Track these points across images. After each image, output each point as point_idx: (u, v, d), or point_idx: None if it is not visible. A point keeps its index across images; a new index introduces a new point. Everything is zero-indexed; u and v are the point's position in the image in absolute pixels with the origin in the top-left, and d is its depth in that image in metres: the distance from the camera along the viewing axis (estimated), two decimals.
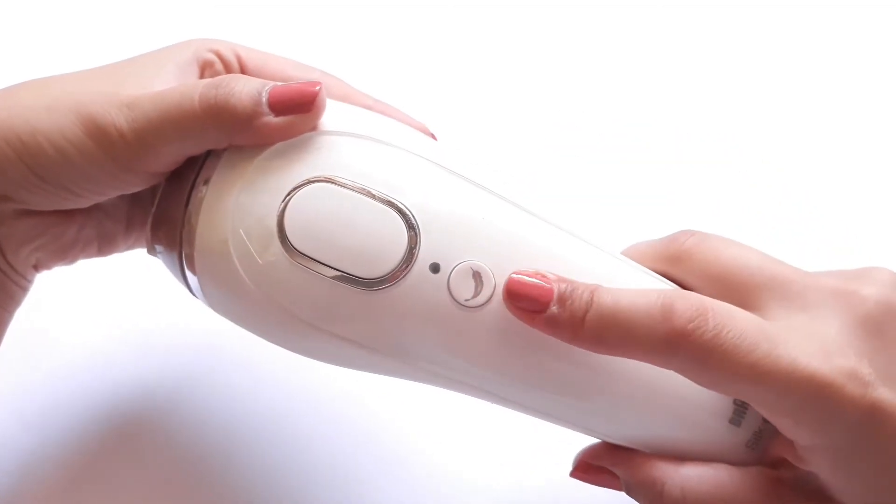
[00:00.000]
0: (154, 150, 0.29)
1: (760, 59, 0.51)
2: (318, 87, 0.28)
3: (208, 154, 0.29)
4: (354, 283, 0.28)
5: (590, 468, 0.31)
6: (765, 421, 0.30)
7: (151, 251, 0.32)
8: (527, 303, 0.28)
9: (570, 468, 0.32)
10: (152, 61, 0.31)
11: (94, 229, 0.33)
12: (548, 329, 0.27)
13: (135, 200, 0.34)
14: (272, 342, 0.30)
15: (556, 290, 0.27)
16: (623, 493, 0.31)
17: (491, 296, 0.28)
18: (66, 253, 0.33)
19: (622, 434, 0.31)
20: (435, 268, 0.28)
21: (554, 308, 0.27)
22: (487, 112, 0.49)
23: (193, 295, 0.31)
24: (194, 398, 0.39)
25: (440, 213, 0.28)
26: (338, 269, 0.28)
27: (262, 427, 0.39)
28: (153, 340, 0.41)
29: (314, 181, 0.28)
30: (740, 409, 0.30)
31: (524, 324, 0.28)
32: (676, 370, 0.27)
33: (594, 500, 0.35)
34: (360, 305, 0.28)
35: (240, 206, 0.28)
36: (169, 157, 0.29)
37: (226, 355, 0.40)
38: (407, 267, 0.28)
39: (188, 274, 0.30)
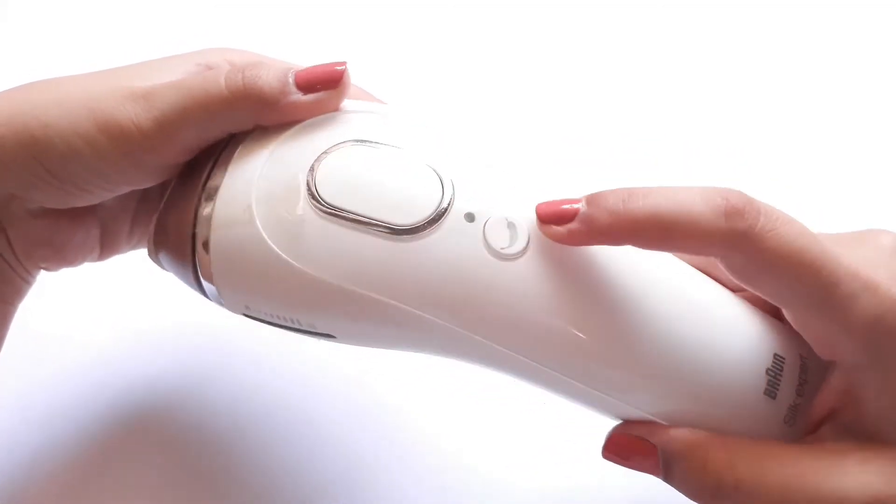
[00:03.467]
0: (175, 137, 0.28)
1: (769, 77, 0.51)
2: (343, 65, 0.29)
3: (228, 140, 0.29)
4: (389, 233, 0.28)
5: (623, 441, 0.29)
6: (798, 395, 0.30)
7: (153, 254, 0.31)
8: (558, 218, 0.27)
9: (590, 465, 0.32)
10: (162, 63, 0.31)
11: (100, 230, 0.33)
12: (584, 227, 0.27)
13: (141, 202, 0.34)
14: (293, 320, 0.29)
15: (583, 198, 0.27)
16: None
17: (525, 247, 0.28)
18: (75, 256, 0.33)
19: (656, 409, 0.29)
20: (470, 217, 0.28)
21: (583, 207, 0.27)
22: (496, 128, 0.49)
23: (203, 293, 0.30)
24: (201, 395, 0.39)
25: (473, 172, 0.29)
26: (371, 219, 0.28)
27: (271, 424, 0.39)
28: (159, 337, 0.41)
29: (344, 143, 0.28)
30: (773, 380, 0.29)
31: (562, 268, 0.28)
32: (727, 260, 0.26)
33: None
34: (395, 256, 0.28)
35: (265, 174, 0.28)
36: (189, 143, 0.29)
37: (232, 352, 0.40)
38: (442, 215, 0.28)
39: (200, 259, 0.29)
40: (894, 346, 0.26)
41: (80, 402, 0.39)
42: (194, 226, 0.29)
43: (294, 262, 0.28)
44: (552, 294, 0.28)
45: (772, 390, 0.29)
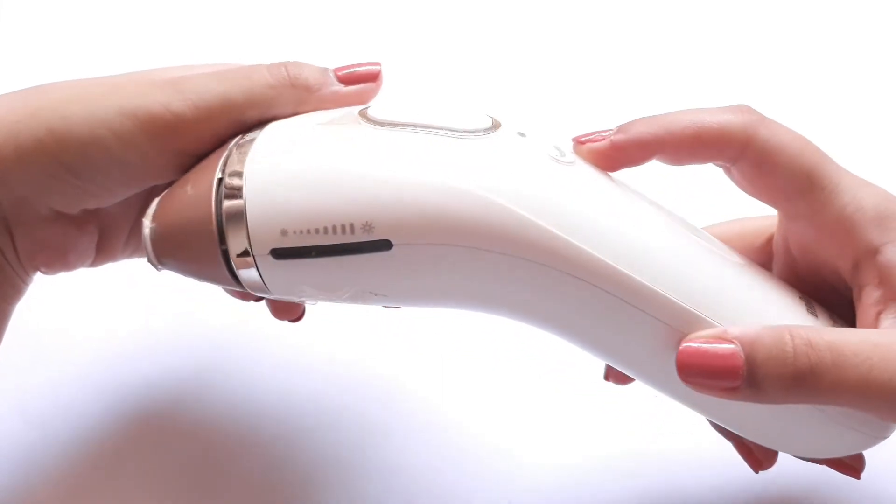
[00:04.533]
0: (211, 121, 0.29)
1: (771, 75, 0.52)
2: (379, 64, 0.31)
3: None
4: (450, 135, 0.28)
5: (696, 351, 0.27)
6: (832, 321, 0.31)
7: (151, 224, 0.29)
8: (595, 138, 0.30)
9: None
10: (184, 67, 0.32)
11: (98, 237, 0.33)
12: (623, 135, 0.30)
13: (140, 215, 0.34)
14: (344, 227, 0.27)
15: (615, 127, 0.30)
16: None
17: (574, 161, 0.29)
18: (74, 261, 0.33)
19: (720, 314, 0.29)
20: (521, 134, 0.29)
21: (616, 128, 0.30)
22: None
23: (222, 239, 0.28)
24: (204, 394, 0.39)
25: (510, 115, 0.30)
26: (430, 125, 0.28)
27: (273, 422, 0.38)
28: (158, 335, 0.40)
29: (388, 100, 0.30)
30: (809, 305, 0.31)
31: (611, 183, 0.30)
32: (744, 156, 0.29)
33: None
34: (460, 149, 0.28)
35: (310, 120, 0.29)
36: (223, 128, 0.29)
37: (232, 351, 0.40)
38: (497, 128, 0.29)
39: (227, 194, 0.27)
40: None
41: (77, 401, 0.38)
42: (223, 169, 0.28)
43: (349, 166, 0.27)
44: (613, 195, 0.29)
45: (812, 311, 0.30)
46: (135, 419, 0.38)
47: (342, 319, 0.33)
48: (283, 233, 0.27)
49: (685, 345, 0.27)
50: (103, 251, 0.34)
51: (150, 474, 0.37)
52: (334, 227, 0.27)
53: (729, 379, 0.27)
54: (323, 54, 0.32)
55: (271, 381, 0.39)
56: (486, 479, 0.37)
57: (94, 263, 0.34)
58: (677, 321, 0.28)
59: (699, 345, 0.27)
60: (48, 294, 0.37)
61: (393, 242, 0.27)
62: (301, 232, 0.27)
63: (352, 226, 0.27)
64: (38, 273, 0.33)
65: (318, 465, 0.37)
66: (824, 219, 0.29)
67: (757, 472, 0.33)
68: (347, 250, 0.27)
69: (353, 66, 0.31)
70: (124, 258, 0.35)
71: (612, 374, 0.34)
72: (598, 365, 0.35)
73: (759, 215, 0.34)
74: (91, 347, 0.40)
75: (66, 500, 0.36)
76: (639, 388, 0.34)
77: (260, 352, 0.40)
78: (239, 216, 0.27)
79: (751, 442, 0.32)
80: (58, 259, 0.32)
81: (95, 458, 0.37)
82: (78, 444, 0.37)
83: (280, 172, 0.27)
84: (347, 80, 0.30)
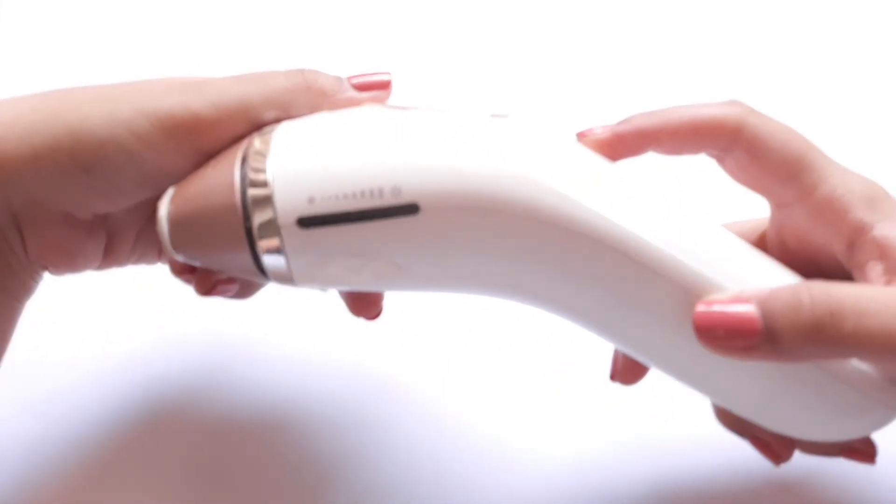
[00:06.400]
0: (231, 120, 0.30)
1: (771, 70, 0.52)
2: (390, 74, 0.32)
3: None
4: (466, 116, 0.29)
5: (712, 314, 0.27)
6: None
7: (166, 209, 0.29)
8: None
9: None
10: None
11: (106, 241, 0.33)
12: (624, 125, 0.31)
13: (149, 222, 0.34)
14: (372, 192, 0.27)
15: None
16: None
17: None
18: (82, 264, 0.33)
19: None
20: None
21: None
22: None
23: (246, 215, 0.27)
24: (206, 393, 0.39)
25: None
26: (447, 110, 0.29)
27: (277, 424, 0.39)
28: (166, 334, 0.41)
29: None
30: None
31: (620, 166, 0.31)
32: (738, 143, 0.30)
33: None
34: (489, 125, 0.29)
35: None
36: (241, 127, 0.30)
37: (237, 349, 0.41)
38: (507, 117, 0.30)
39: (251, 166, 0.27)
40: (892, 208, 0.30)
41: (90, 401, 0.39)
42: (246, 150, 0.28)
43: (377, 133, 0.28)
44: (627, 173, 0.29)
45: None
46: (142, 418, 0.38)
47: (348, 318, 0.34)
48: (311, 200, 0.27)
49: (701, 306, 0.28)
50: (110, 256, 0.34)
51: (157, 473, 0.37)
52: (363, 192, 0.27)
53: (746, 336, 0.27)
54: (323, 63, 0.33)
55: (276, 380, 0.40)
56: (488, 474, 0.38)
57: (100, 267, 0.34)
58: (694, 285, 0.28)
59: (716, 306, 0.27)
60: (58, 293, 0.37)
61: (420, 206, 0.27)
62: (329, 198, 0.27)
63: (381, 190, 0.27)
64: (47, 272, 0.33)
65: (320, 463, 0.38)
66: (816, 200, 0.30)
67: (777, 466, 0.34)
68: (376, 215, 0.27)
69: (366, 74, 0.32)
70: (130, 264, 0.35)
71: (619, 374, 0.34)
72: (600, 363, 0.36)
73: (749, 219, 0.35)
74: (100, 346, 0.40)
75: (73, 498, 0.36)
76: (642, 383, 0.34)
77: (265, 351, 0.41)
78: (264, 185, 0.27)
79: (767, 434, 0.33)
80: (65, 261, 0.32)
81: (103, 457, 0.37)
82: (86, 442, 0.38)
83: (307, 141, 0.28)
84: (361, 87, 0.32)
